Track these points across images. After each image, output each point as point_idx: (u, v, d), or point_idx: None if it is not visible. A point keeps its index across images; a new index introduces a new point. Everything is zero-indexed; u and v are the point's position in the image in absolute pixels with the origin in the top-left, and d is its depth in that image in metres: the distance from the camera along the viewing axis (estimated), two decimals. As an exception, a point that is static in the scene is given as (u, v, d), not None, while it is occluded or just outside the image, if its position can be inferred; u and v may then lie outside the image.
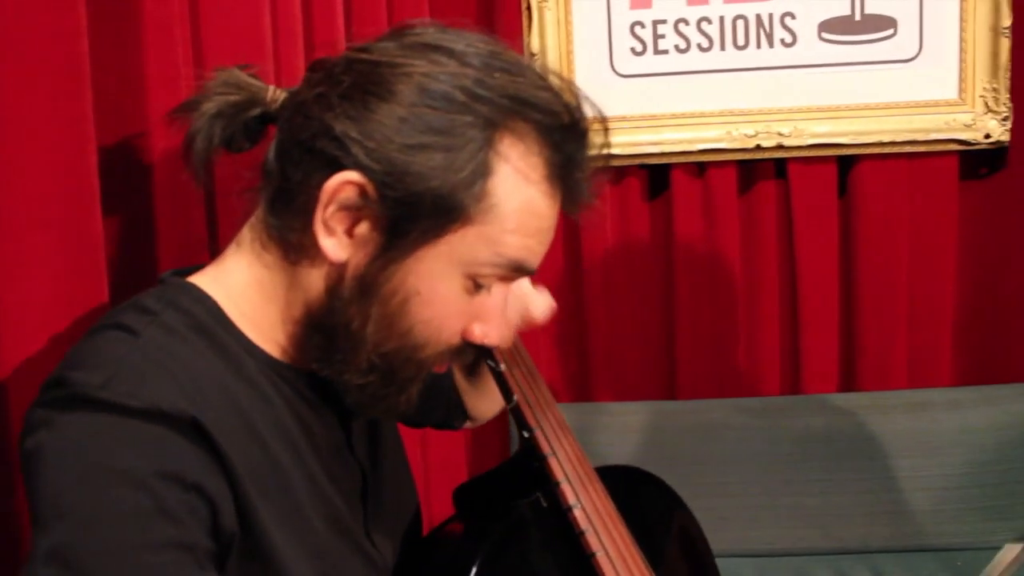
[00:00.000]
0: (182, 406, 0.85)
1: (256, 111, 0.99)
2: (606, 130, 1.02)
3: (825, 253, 2.68)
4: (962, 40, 2.55)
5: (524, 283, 1.21)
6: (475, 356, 1.12)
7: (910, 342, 2.69)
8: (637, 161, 2.65)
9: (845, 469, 2.55)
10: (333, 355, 0.94)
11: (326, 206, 0.88)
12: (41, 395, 0.87)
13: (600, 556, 1.14)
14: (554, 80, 0.95)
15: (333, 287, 0.91)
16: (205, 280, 0.98)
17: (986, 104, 2.56)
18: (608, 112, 2.71)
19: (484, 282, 0.93)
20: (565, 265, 2.73)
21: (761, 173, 2.68)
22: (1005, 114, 2.55)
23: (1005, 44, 2.52)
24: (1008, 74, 2.53)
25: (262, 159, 0.97)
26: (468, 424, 1.47)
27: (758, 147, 2.62)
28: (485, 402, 1.41)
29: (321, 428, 1.02)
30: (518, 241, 0.92)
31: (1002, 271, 2.69)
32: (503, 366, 1.19)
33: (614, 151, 2.61)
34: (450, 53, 0.89)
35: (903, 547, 2.50)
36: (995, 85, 2.55)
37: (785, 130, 2.61)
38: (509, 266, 0.93)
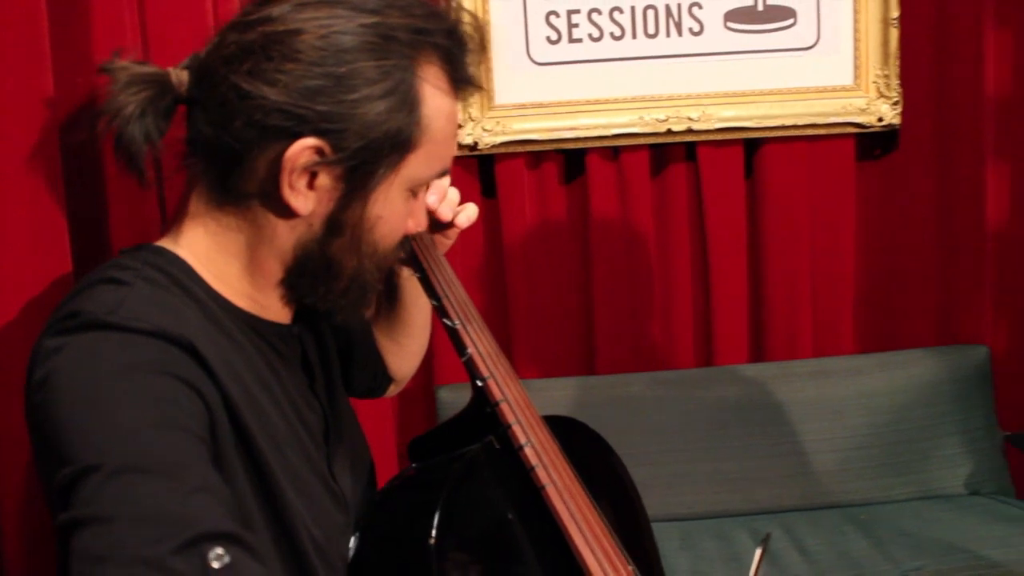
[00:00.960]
0: (183, 331, 0.94)
1: (170, 97, 1.04)
2: (477, 27, 1.12)
3: (734, 231, 2.83)
4: (856, 30, 2.73)
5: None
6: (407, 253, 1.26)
7: (814, 314, 2.85)
8: (554, 146, 2.76)
9: (757, 435, 2.71)
10: (318, 288, 1.06)
11: (290, 172, 0.97)
12: (48, 329, 0.94)
13: (549, 488, 1.26)
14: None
15: (304, 234, 1.02)
16: (170, 245, 1.05)
17: (879, 90, 2.76)
18: (526, 99, 2.82)
19: (419, 190, 1.08)
20: (486, 247, 2.82)
21: (672, 156, 2.81)
22: (896, 99, 2.75)
23: (894, 34, 2.71)
24: (898, 61, 2.72)
25: (185, 138, 1.04)
26: (392, 389, 1.56)
27: (669, 131, 2.75)
28: (409, 359, 1.51)
29: (287, 373, 1.11)
30: (446, 148, 1.07)
31: (896, 245, 2.88)
32: (458, 323, 1.30)
33: (531, 137, 2.75)
34: (349, 5, 0.98)
35: (812, 505, 2.66)
36: (886, 72, 2.75)
37: (694, 115, 2.75)
38: (441, 171, 1.09)
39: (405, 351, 1.48)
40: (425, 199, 1.16)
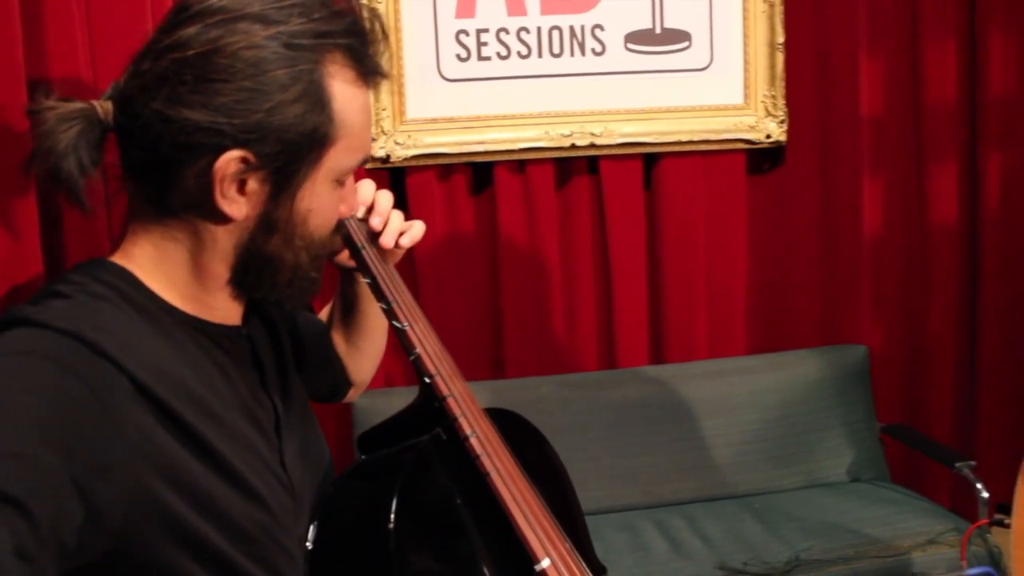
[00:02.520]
0: (103, 343, 1.00)
1: (97, 130, 1.09)
2: (375, 19, 1.17)
3: (634, 241, 3.00)
4: (745, 53, 2.95)
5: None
6: (357, 262, 1.33)
7: (709, 318, 3.05)
8: (463, 159, 2.88)
9: (658, 432, 2.88)
10: (263, 284, 1.14)
11: (220, 183, 1.04)
12: None
13: (493, 475, 1.38)
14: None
15: (242, 236, 1.10)
16: (119, 259, 1.12)
17: (766, 109, 2.99)
18: (437, 114, 2.93)
19: (346, 177, 1.16)
20: (399, 256, 2.94)
21: (576, 169, 2.97)
22: (782, 117, 2.98)
23: (780, 58, 2.94)
24: (783, 83, 2.95)
25: (119, 162, 1.10)
26: (351, 393, 1.65)
27: (573, 146, 2.90)
28: (367, 362, 1.59)
29: (237, 371, 1.18)
30: (363, 138, 1.14)
31: (784, 253, 3.11)
32: (406, 324, 1.41)
33: (442, 150, 2.87)
34: (252, 18, 1.05)
35: (710, 496, 2.85)
36: (773, 92, 2.98)
37: (597, 130, 2.92)
38: (362, 160, 1.17)
39: (363, 354, 1.57)
40: (354, 185, 1.25)
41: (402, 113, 2.85)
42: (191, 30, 1.04)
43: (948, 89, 3.08)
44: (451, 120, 2.88)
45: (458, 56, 2.87)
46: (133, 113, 1.06)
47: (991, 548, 2.54)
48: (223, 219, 1.08)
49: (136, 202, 1.12)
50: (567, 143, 2.90)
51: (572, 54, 2.91)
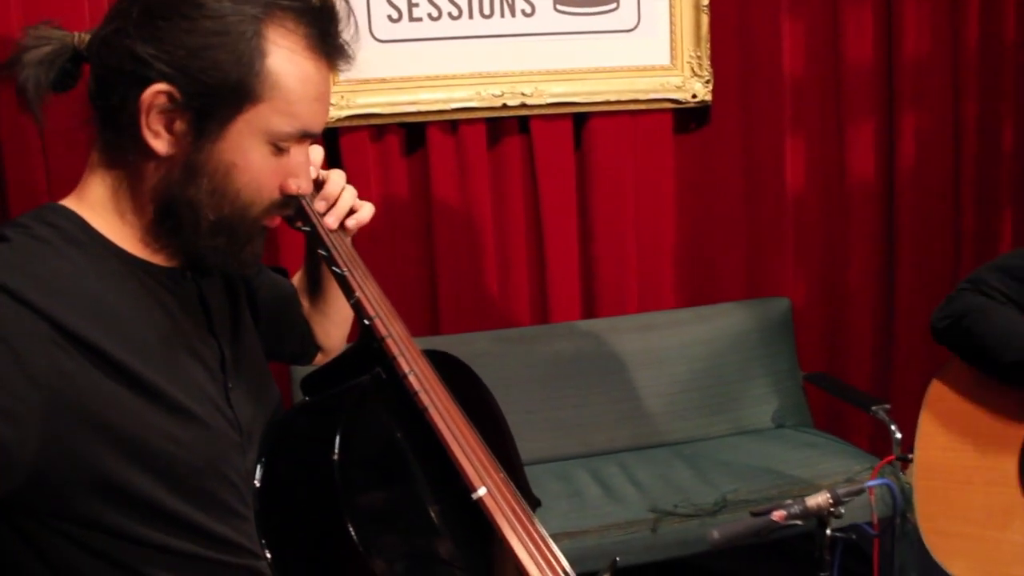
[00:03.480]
0: (26, 291, 1.05)
1: (69, 54, 1.17)
2: (347, 3, 1.22)
3: (564, 199, 3.08)
4: (671, 15, 3.04)
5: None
6: (296, 209, 1.38)
7: (638, 273, 3.15)
8: (396, 120, 2.92)
9: (591, 384, 2.99)
10: (183, 230, 1.17)
11: (146, 114, 1.09)
12: None
13: (431, 410, 1.46)
14: None
15: (167, 176, 1.13)
16: (71, 201, 1.17)
17: (692, 69, 3.08)
18: (369, 75, 2.96)
19: (284, 145, 1.17)
20: (334, 217, 2.99)
21: (507, 129, 3.03)
22: (707, 78, 3.08)
23: (705, 19, 3.03)
24: (708, 44, 3.05)
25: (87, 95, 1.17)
26: (320, 357, 1.68)
27: (504, 106, 2.97)
28: (333, 328, 1.64)
29: (182, 313, 1.23)
30: (302, 107, 1.15)
31: (710, 210, 3.22)
32: (346, 271, 1.48)
33: (374, 111, 2.92)
34: None
35: (643, 444, 2.97)
36: (699, 53, 3.08)
37: (527, 90, 2.99)
38: (300, 130, 1.17)
39: (329, 320, 1.62)
40: (301, 160, 1.23)
41: (334, 74, 2.88)
42: None
43: (865, 51, 3.22)
44: (383, 81, 2.93)
45: (389, 17, 2.91)
46: (94, 43, 1.13)
47: (903, 485, 2.69)
48: (151, 154, 1.12)
49: (93, 143, 1.17)
50: (498, 103, 2.97)
51: (503, 15, 2.97)
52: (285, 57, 1.13)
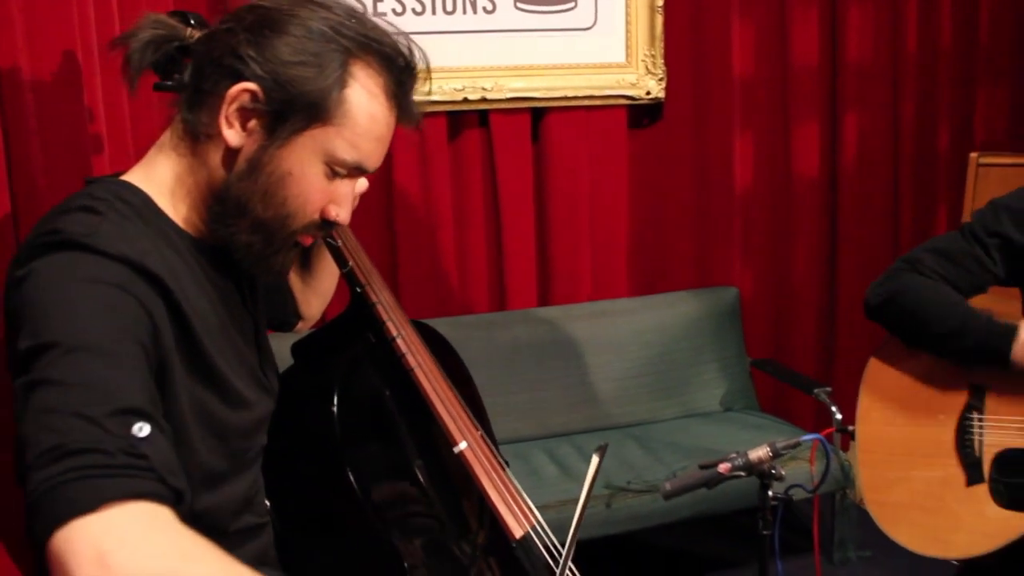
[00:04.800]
0: (143, 260, 1.19)
1: (176, 44, 1.34)
2: (428, 70, 1.39)
3: (522, 190, 3.24)
4: (627, 14, 3.23)
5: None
6: (322, 236, 1.53)
7: (593, 262, 3.33)
8: None
9: (547, 369, 3.16)
10: (226, 219, 1.29)
11: (229, 105, 1.24)
12: (32, 240, 1.18)
13: (417, 371, 1.63)
14: (393, 31, 1.34)
15: (228, 166, 1.27)
16: (136, 177, 1.31)
17: (647, 67, 3.28)
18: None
19: (338, 170, 1.30)
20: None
21: (467, 122, 3.18)
22: (661, 75, 3.28)
23: (660, 19, 3.23)
24: (663, 43, 3.24)
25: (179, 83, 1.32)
26: (300, 325, 1.81)
27: (465, 100, 3.12)
28: (316, 299, 1.77)
29: (226, 289, 1.37)
30: (365, 142, 1.29)
31: (662, 202, 3.41)
32: (340, 241, 1.65)
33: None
34: (322, 6, 1.28)
35: (597, 427, 3.15)
36: (653, 52, 3.27)
37: (487, 85, 3.15)
38: (357, 162, 1.30)
39: (313, 292, 1.75)
40: (347, 192, 1.32)
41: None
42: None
43: (811, 54, 3.44)
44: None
45: (355, 11, 3.05)
46: (202, 39, 1.30)
47: (842, 462, 2.92)
48: (220, 142, 1.27)
49: (173, 124, 1.31)
50: (459, 97, 3.12)
51: (464, 12, 3.12)
52: (362, 93, 1.27)
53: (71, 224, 1.18)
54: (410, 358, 1.63)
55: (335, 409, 1.52)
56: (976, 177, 3.20)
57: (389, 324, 1.65)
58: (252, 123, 1.26)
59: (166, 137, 1.32)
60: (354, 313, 1.68)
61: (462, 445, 1.63)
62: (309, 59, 1.24)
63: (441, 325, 3.12)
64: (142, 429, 1.04)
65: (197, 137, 1.29)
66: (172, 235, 1.29)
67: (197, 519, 1.19)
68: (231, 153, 1.28)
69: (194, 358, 1.27)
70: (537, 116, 3.25)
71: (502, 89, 3.16)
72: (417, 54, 1.35)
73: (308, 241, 1.38)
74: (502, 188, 3.22)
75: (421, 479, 1.66)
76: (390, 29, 1.33)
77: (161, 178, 1.31)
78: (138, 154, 2.45)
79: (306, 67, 1.24)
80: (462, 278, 3.26)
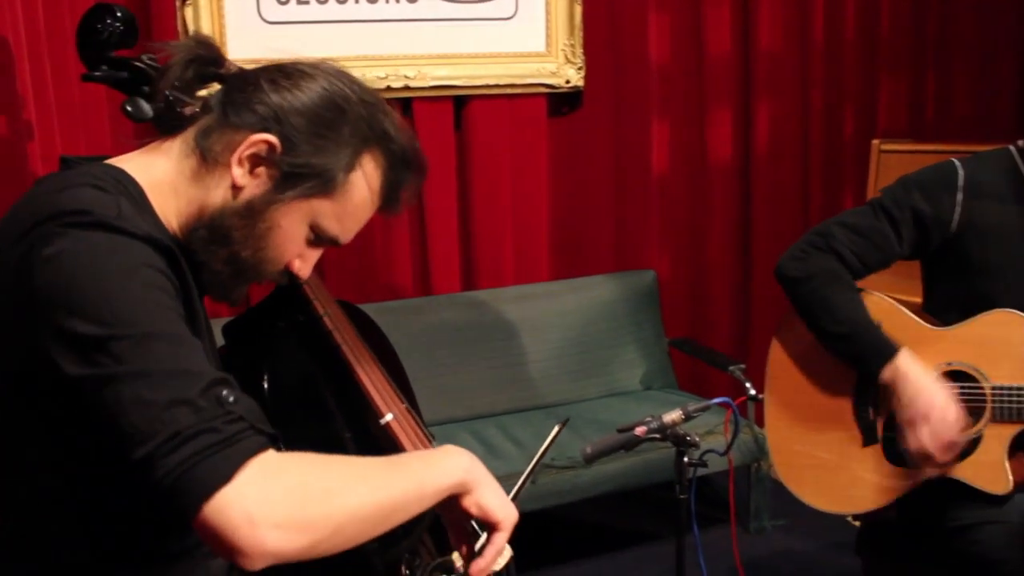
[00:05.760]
0: (164, 239, 1.25)
1: (214, 68, 1.39)
2: (424, 167, 1.46)
3: (445, 177, 3.34)
4: (547, 4, 3.34)
5: None
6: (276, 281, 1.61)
7: (515, 247, 3.44)
8: None
9: (472, 352, 3.26)
10: (208, 244, 1.36)
11: (247, 148, 1.31)
12: (59, 219, 1.20)
13: (344, 347, 1.72)
14: (401, 124, 1.42)
15: (227, 200, 1.34)
16: (132, 166, 1.36)
17: (566, 56, 3.39)
18: (257, 55, 3.15)
19: (316, 237, 1.40)
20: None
21: (391, 111, 3.30)
22: (580, 65, 3.39)
23: (578, 9, 3.35)
24: (581, 33, 3.36)
25: (205, 98, 1.36)
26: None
27: (388, 88, 3.20)
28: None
29: (193, 284, 1.48)
30: (350, 224, 1.39)
31: (582, 188, 3.54)
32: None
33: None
34: (344, 79, 1.37)
35: (521, 408, 3.27)
36: (572, 42, 3.38)
37: (411, 73, 3.24)
38: (337, 236, 1.41)
39: None
40: (318, 254, 1.44)
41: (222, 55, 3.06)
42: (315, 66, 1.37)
43: (724, 43, 3.60)
44: (271, 62, 3.11)
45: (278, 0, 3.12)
46: (243, 76, 1.37)
47: (756, 434, 3.08)
48: (227, 178, 1.34)
49: (187, 130, 1.37)
50: (383, 85, 3.19)
51: (387, 1, 3.21)
52: (363, 181, 1.37)
53: (97, 205, 1.22)
54: (337, 335, 1.72)
55: (266, 385, 1.60)
56: (879, 163, 3.37)
57: (316, 303, 1.73)
58: (260, 170, 1.33)
59: (174, 143, 1.38)
60: (282, 294, 1.76)
61: (388, 416, 1.72)
62: (328, 134, 1.33)
63: (366, 311, 3.22)
64: (229, 396, 1.13)
65: (204, 159, 1.36)
66: (161, 228, 1.35)
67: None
68: (231, 188, 1.35)
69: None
70: (460, 104, 3.34)
71: (425, 77, 3.25)
72: (420, 156, 1.45)
73: (263, 282, 1.48)
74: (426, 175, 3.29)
75: (351, 451, 1.75)
76: (397, 118, 1.42)
77: (157, 178, 1.36)
78: (64, 143, 2.53)
79: (326, 141, 1.33)
80: (387, 264, 3.34)
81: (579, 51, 3.38)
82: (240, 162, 1.32)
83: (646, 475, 2.99)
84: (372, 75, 3.18)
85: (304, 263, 1.43)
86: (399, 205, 1.44)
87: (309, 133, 1.31)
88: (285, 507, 1.10)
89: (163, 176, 1.37)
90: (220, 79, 1.40)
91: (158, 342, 1.14)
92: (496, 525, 1.36)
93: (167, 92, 1.36)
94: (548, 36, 3.38)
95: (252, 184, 1.34)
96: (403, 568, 1.69)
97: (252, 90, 1.33)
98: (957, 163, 2.04)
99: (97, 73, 1.43)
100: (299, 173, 1.33)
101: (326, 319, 1.73)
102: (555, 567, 3.12)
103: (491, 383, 3.28)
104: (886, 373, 1.98)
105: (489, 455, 2.97)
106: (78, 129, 2.68)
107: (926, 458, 1.92)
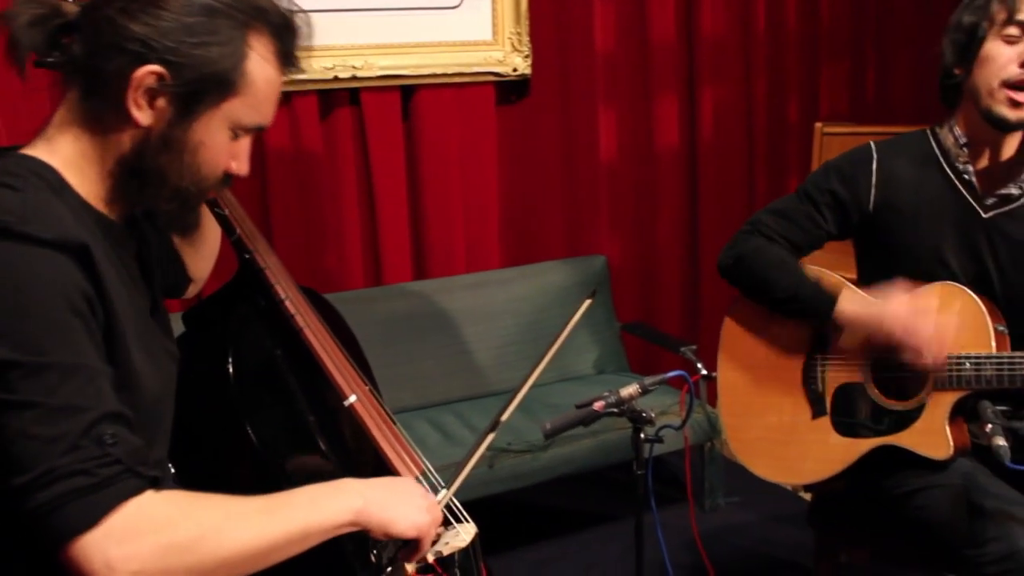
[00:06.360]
0: (80, 238, 1.25)
1: (58, 21, 1.34)
2: (307, 25, 1.47)
3: (395, 166, 3.37)
4: (493, -7, 3.41)
5: None
6: (222, 190, 1.64)
7: (466, 236, 3.49)
8: None
9: (425, 341, 3.31)
10: (146, 191, 1.38)
11: (136, 88, 1.30)
12: None
13: (306, 330, 1.75)
14: None
15: (141, 144, 1.34)
16: (42, 153, 1.35)
17: (513, 44, 3.45)
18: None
19: (240, 133, 1.41)
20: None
21: (338, 101, 3.29)
22: (527, 53, 3.45)
23: (524, -2, 3.42)
24: (528, 21, 3.41)
25: (64, 59, 1.35)
26: (191, 289, 1.87)
27: (335, 78, 3.23)
28: (203, 261, 1.84)
29: (128, 263, 1.46)
30: (266, 107, 1.39)
31: (531, 176, 3.60)
32: (227, 211, 1.77)
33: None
34: None
35: (476, 394, 3.32)
36: (519, 30, 3.44)
37: (358, 63, 3.26)
38: (259, 124, 1.42)
39: (199, 254, 1.82)
40: (246, 146, 1.43)
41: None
42: None
43: (668, 31, 3.68)
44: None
45: (222, -10, 3.13)
46: (91, 16, 1.33)
47: (709, 414, 3.16)
48: (131, 123, 1.34)
49: (66, 100, 1.36)
50: (330, 75, 3.22)
51: (333, -9, 3.23)
52: (260, 62, 1.37)
53: (1, 211, 1.22)
54: (299, 318, 1.76)
55: (231, 368, 1.63)
56: (821, 146, 3.48)
57: (277, 287, 1.77)
58: (160, 102, 1.33)
59: (64, 114, 1.38)
60: (243, 279, 1.79)
61: (352, 398, 1.77)
62: (211, 38, 1.32)
63: (319, 301, 3.29)
64: (112, 436, 1.17)
65: (101, 118, 1.35)
66: (83, 213, 1.35)
67: None
68: (141, 131, 1.35)
69: (110, 339, 1.33)
70: (407, 93, 3.37)
71: (372, 67, 3.28)
72: (294, 11, 1.45)
73: (211, 195, 1.55)
74: (375, 165, 3.34)
75: (315, 433, 1.79)
76: None
77: (66, 155, 1.36)
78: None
79: (210, 46, 1.32)
80: (338, 255, 3.37)
81: (526, 39, 3.43)
82: (136, 103, 1.31)
83: (603, 456, 3.06)
84: (319, 65, 3.21)
85: (239, 160, 1.44)
86: (298, 64, 1.46)
87: (188, 46, 1.30)
88: (146, 556, 1.15)
89: (70, 151, 1.37)
90: (69, 27, 1.36)
91: (51, 373, 1.18)
92: (412, 541, 1.44)
93: (21, 68, 1.35)
94: (495, 24, 3.43)
95: (158, 118, 1.33)
96: (372, 550, 1.75)
97: (111, 30, 1.30)
98: (873, 147, 2.19)
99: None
100: (197, 88, 1.32)
101: (287, 303, 1.77)
102: (516, 551, 3.19)
103: (445, 371, 3.32)
104: (838, 320, 2.08)
105: (446, 441, 3.02)
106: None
107: (930, 362, 1.98)
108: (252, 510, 1.26)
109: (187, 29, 1.30)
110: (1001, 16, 1.97)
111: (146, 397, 1.39)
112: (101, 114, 1.34)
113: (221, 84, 1.34)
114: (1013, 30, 1.96)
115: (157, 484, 1.20)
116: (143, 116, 1.32)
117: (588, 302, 1.83)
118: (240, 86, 1.35)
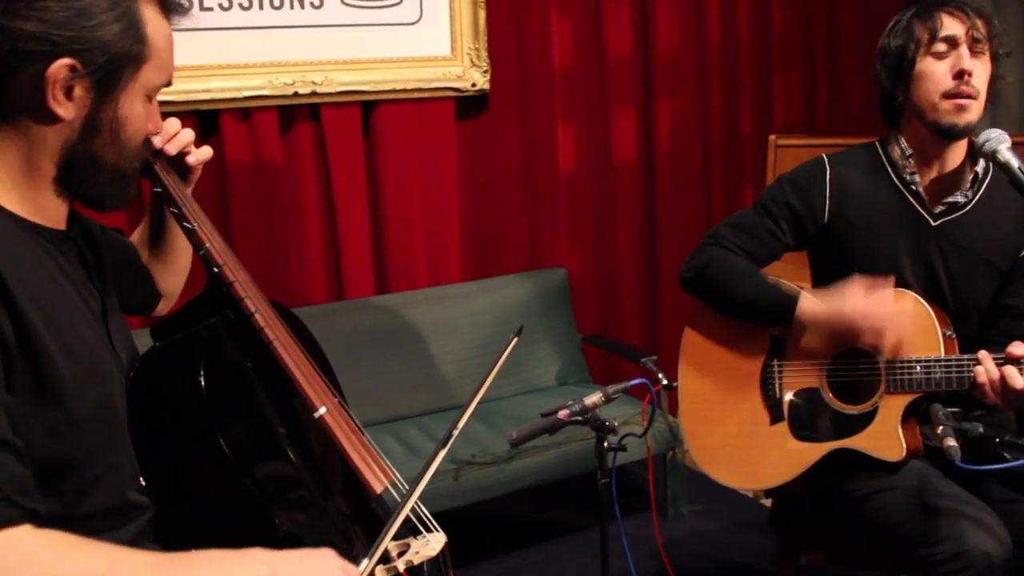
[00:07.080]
0: None
1: None
2: None
3: (355, 182, 3.42)
4: (452, 9, 3.46)
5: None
6: (151, 175, 1.64)
7: (428, 249, 3.54)
8: (189, 108, 3.16)
9: (388, 355, 3.35)
10: (87, 180, 1.41)
11: (52, 87, 1.28)
12: None
13: (275, 343, 1.79)
14: None
15: (68, 137, 1.36)
16: None
17: (472, 60, 3.51)
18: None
19: (151, 95, 1.44)
20: (131, 202, 3.21)
21: (299, 116, 3.34)
22: (486, 68, 3.51)
23: (482, 14, 3.47)
24: (486, 37, 3.49)
25: None
26: (162, 305, 1.93)
27: (296, 94, 3.28)
28: (174, 276, 1.91)
29: (69, 267, 1.47)
30: (168, 62, 1.43)
31: (491, 190, 3.66)
32: (195, 225, 1.79)
33: (168, 98, 3.14)
34: None
35: (440, 407, 3.37)
36: (477, 46, 3.51)
37: (318, 79, 3.32)
38: (166, 80, 1.44)
39: (169, 269, 1.88)
40: (155, 107, 1.51)
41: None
42: None
43: (625, 46, 3.77)
44: (175, 69, 3.15)
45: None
46: None
47: (670, 423, 3.23)
48: (54, 120, 1.35)
49: None
50: (290, 91, 3.27)
51: (292, 7, 3.29)
52: (154, 21, 1.39)
53: None
54: (268, 332, 1.80)
55: (202, 380, 1.67)
56: (776, 157, 3.58)
57: (247, 301, 1.80)
58: (77, 92, 1.34)
59: None
60: (212, 292, 1.83)
61: (322, 410, 1.81)
62: (107, 16, 1.33)
63: (281, 316, 3.32)
64: None
65: (22, 128, 1.36)
66: (10, 224, 1.36)
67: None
68: (65, 125, 1.36)
69: (25, 349, 1.33)
70: (367, 109, 3.43)
71: (332, 83, 3.33)
72: None
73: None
74: (335, 180, 3.39)
75: (286, 446, 1.83)
76: None
77: None
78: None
79: (110, 24, 1.33)
80: (300, 270, 3.41)
81: (484, 55, 3.50)
82: (57, 101, 1.32)
83: (567, 467, 3.12)
84: (279, 81, 3.26)
85: (154, 123, 1.49)
86: (184, 9, 1.49)
87: (89, 30, 1.31)
88: None
89: None
90: None
91: None
92: None
93: None
94: (453, 40, 3.49)
95: (79, 107, 1.35)
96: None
97: (5, 38, 1.30)
98: (826, 159, 2.28)
99: None
100: (111, 68, 1.34)
101: (257, 316, 1.80)
102: (483, 562, 3.24)
103: (409, 385, 3.37)
104: (801, 319, 2.16)
105: (410, 454, 3.07)
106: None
107: (892, 340, 2.05)
108: (142, 564, 1.23)
109: (82, 13, 1.32)
110: (925, 36, 2.11)
111: (83, 404, 1.38)
112: (21, 124, 1.35)
113: (132, 57, 1.36)
114: (940, 46, 2.08)
115: (37, 518, 1.20)
116: (66, 111, 1.34)
117: (515, 340, 1.87)
118: (148, 52, 1.38)
